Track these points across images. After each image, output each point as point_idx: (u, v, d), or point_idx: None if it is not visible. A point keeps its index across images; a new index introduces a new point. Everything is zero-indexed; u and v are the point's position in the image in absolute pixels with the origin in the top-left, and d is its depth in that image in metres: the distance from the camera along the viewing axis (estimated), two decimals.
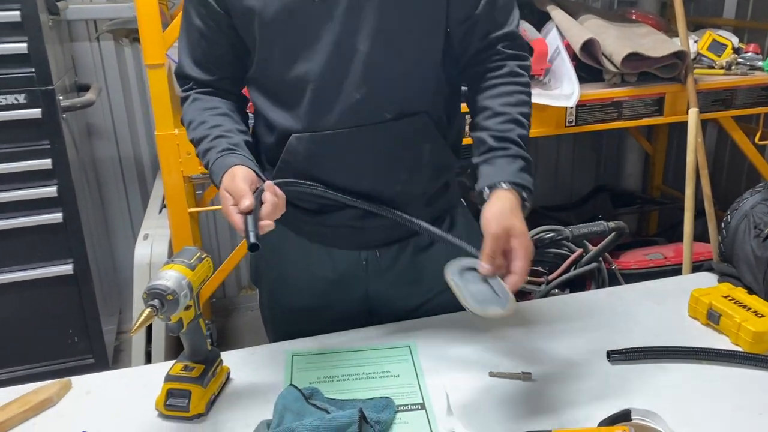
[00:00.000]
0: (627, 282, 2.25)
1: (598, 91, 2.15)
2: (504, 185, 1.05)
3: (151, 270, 2.15)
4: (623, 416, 0.97)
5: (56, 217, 2.25)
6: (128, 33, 2.66)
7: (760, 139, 2.44)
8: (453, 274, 1.00)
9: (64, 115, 2.23)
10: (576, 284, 2.32)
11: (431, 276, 1.27)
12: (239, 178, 1.01)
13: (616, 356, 1.14)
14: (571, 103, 2.03)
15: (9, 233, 2.23)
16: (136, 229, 2.83)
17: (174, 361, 1.08)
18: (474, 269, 1.00)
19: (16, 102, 2.12)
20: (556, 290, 2.25)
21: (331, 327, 1.25)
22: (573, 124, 2.14)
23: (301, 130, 1.13)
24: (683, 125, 2.24)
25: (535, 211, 2.66)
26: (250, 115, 1.29)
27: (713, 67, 2.33)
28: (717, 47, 2.34)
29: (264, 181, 1.04)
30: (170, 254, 2.14)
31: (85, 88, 2.56)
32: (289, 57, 1.10)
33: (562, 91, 2.08)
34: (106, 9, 2.68)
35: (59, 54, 2.36)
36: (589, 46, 2.13)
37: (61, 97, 2.20)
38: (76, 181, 2.30)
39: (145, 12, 1.76)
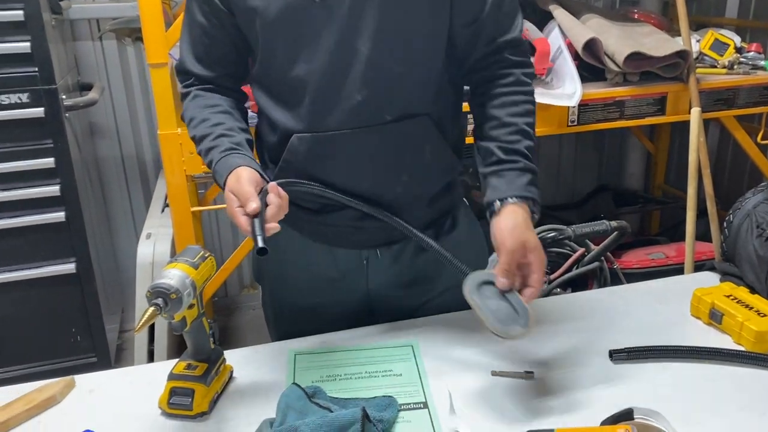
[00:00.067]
0: (629, 281, 2.25)
1: (600, 91, 2.15)
2: (515, 199, 1.08)
3: (154, 269, 2.16)
4: (626, 415, 0.97)
5: (59, 216, 2.26)
6: (131, 32, 2.66)
7: (762, 139, 2.44)
8: (471, 292, 1.02)
9: (66, 115, 2.24)
10: (578, 284, 2.32)
11: (432, 276, 1.27)
12: (244, 179, 1.01)
13: (619, 355, 1.14)
14: (574, 102, 2.03)
15: (12, 232, 2.23)
16: (139, 228, 2.83)
17: (177, 359, 1.08)
18: (490, 283, 1.02)
19: (19, 101, 2.13)
20: (558, 289, 2.26)
21: (333, 326, 1.25)
22: (575, 123, 2.14)
23: (302, 130, 1.14)
24: (685, 125, 2.24)
25: None
26: (253, 114, 1.30)
27: (715, 67, 2.33)
28: (719, 46, 2.34)
29: (267, 182, 1.04)
30: (173, 253, 2.14)
31: (87, 88, 2.57)
32: (291, 57, 1.10)
33: (565, 90, 2.08)
34: (109, 8, 2.69)
35: (62, 53, 2.36)
36: (592, 45, 2.13)
37: (64, 97, 2.21)
38: (78, 180, 2.30)
39: (148, 11, 1.77)
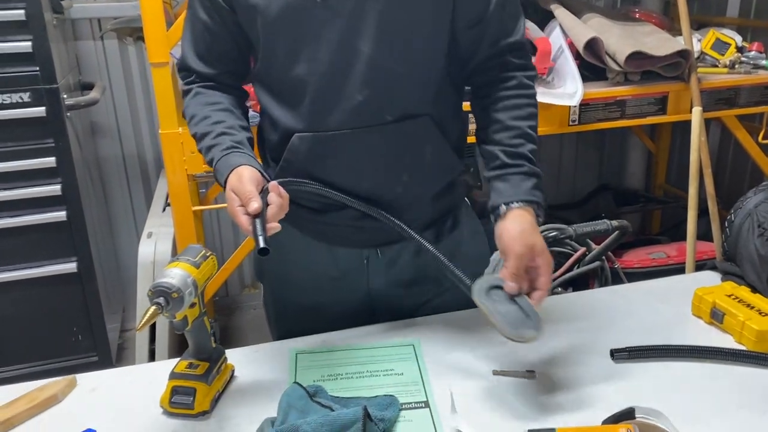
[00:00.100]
0: (630, 281, 2.25)
1: (601, 90, 2.15)
2: (520, 203, 1.09)
3: (155, 268, 2.16)
4: (627, 414, 0.97)
5: (60, 215, 2.26)
6: (132, 32, 2.66)
7: (763, 138, 2.43)
8: (481, 296, 1.03)
9: (68, 114, 2.24)
10: (579, 283, 2.32)
11: (434, 275, 1.27)
12: (246, 179, 1.01)
13: (620, 354, 1.14)
14: (575, 102, 2.03)
15: (13, 231, 2.23)
16: (140, 227, 2.83)
17: (178, 358, 1.08)
18: (499, 287, 1.03)
19: (20, 100, 2.13)
20: (559, 289, 2.26)
21: (334, 325, 1.26)
22: (576, 122, 2.14)
23: (303, 130, 1.14)
24: (686, 124, 2.24)
25: None
26: (254, 113, 1.30)
27: (717, 66, 2.33)
28: (720, 46, 2.34)
29: (268, 181, 1.04)
30: (174, 252, 2.14)
31: (89, 87, 2.57)
32: (292, 56, 1.10)
33: (566, 89, 2.08)
34: (110, 8, 2.69)
35: (63, 53, 2.37)
36: (593, 44, 2.13)
37: (65, 96, 2.21)
38: (80, 179, 2.30)
39: (149, 11, 1.77)
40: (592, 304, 1.34)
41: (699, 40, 2.35)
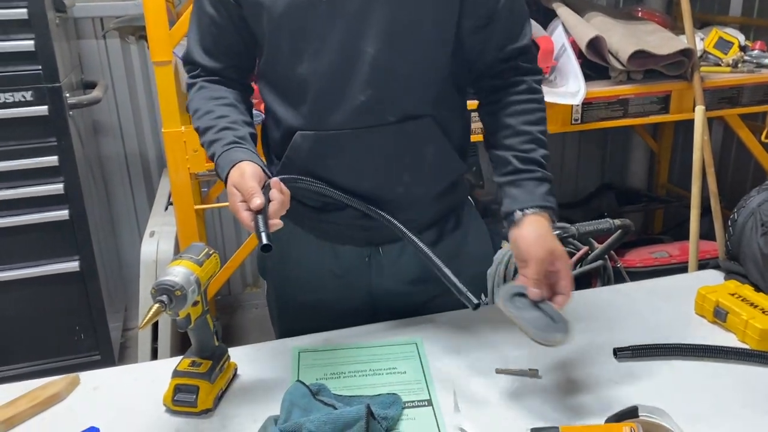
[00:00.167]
0: (632, 280, 2.24)
1: (604, 89, 2.15)
2: (535, 209, 1.09)
3: (157, 267, 2.16)
4: (630, 413, 0.97)
5: (63, 214, 2.26)
6: (134, 30, 2.66)
7: (766, 137, 2.43)
8: (506, 304, 1.02)
9: (70, 113, 2.24)
10: (581, 282, 2.31)
11: (436, 274, 1.27)
12: (248, 175, 1.01)
13: (623, 353, 1.13)
14: (577, 100, 2.03)
15: (16, 230, 2.24)
16: (142, 226, 2.84)
17: (181, 356, 1.08)
18: (522, 295, 1.03)
19: (23, 99, 2.14)
20: None
21: (337, 323, 1.25)
22: (579, 121, 2.14)
23: (305, 128, 1.14)
24: (688, 123, 2.24)
25: None
26: (257, 111, 1.29)
27: (720, 65, 2.33)
28: (723, 45, 2.33)
29: (270, 177, 1.04)
30: (176, 251, 2.15)
31: (91, 86, 2.57)
32: (296, 54, 1.10)
33: (568, 88, 2.08)
34: (113, 7, 2.69)
35: (66, 51, 2.37)
36: (595, 43, 2.13)
37: (67, 95, 2.21)
38: (82, 178, 2.30)
39: (152, 9, 1.77)
40: (594, 303, 1.34)
41: (702, 39, 2.35)
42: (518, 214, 1.09)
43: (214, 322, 1.08)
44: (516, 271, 2.08)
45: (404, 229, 1.14)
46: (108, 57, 2.80)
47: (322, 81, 1.10)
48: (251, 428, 0.99)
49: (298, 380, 1.04)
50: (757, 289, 1.29)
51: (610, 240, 2.29)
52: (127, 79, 2.84)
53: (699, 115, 2.17)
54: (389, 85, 1.10)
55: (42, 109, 2.15)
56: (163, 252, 2.18)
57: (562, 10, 2.26)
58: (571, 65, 2.12)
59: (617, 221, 2.29)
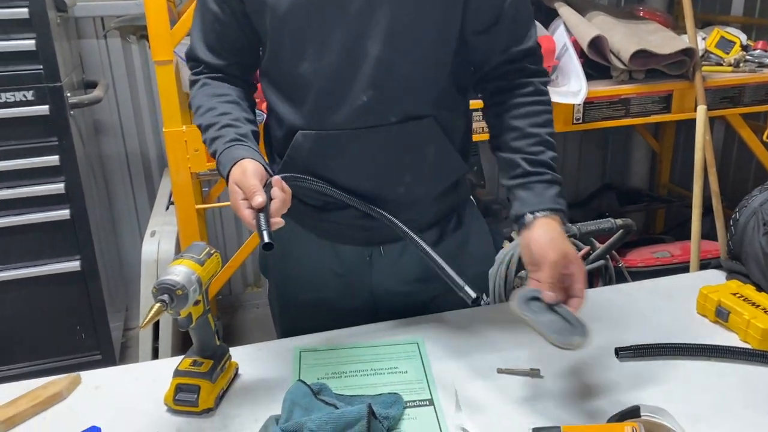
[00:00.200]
0: (634, 280, 2.24)
1: (605, 88, 2.15)
2: (546, 212, 1.07)
3: (158, 267, 2.16)
4: (632, 413, 0.97)
5: (64, 213, 2.26)
6: (135, 30, 2.67)
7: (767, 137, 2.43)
8: (522, 309, 1.01)
9: (71, 112, 2.24)
10: None
11: (438, 273, 1.27)
12: (249, 172, 1.01)
13: (625, 353, 1.13)
14: (579, 100, 2.03)
15: (17, 230, 2.24)
16: (143, 225, 2.84)
17: (182, 356, 1.08)
18: (536, 299, 1.01)
19: (24, 99, 2.14)
20: None
21: (339, 322, 1.25)
22: (580, 121, 2.14)
23: (307, 127, 1.13)
24: (690, 123, 2.24)
25: None
26: (259, 111, 1.29)
27: (721, 65, 2.33)
28: (725, 44, 2.33)
29: (271, 175, 1.04)
30: (177, 251, 2.15)
31: (92, 85, 2.57)
32: (298, 53, 1.10)
33: (570, 88, 2.08)
34: (114, 6, 2.69)
35: (67, 51, 2.37)
36: (597, 42, 2.13)
37: (68, 94, 2.21)
38: (83, 177, 2.30)
39: (153, 9, 1.77)
40: (596, 303, 1.33)
41: (704, 39, 2.35)
42: (529, 217, 1.07)
43: (215, 322, 1.08)
44: (517, 271, 2.09)
45: (403, 227, 1.14)
46: (109, 56, 2.80)
47: (324, 81, 1.10)
48: (252, 428, 0.98)
49: (300, 380, 1.04)
50: (759, 288, 1.29)
51: (611, 240, 2.29)
52: (128, 78, 2.84)
53: (701, 114, 2.17)
54: (391, 86, 1.10)
55: (43, 109, 2.15)
56: (164, 251, 2.18)
57: (564, 10, 2.26)
58: (573, 65, 2.11)
59: (619, 221, 2.29)
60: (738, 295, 1.24)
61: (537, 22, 2.20)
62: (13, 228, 2.23)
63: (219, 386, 1.05)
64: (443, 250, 1.15)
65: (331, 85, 1.10)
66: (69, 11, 2.43)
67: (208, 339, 1.06)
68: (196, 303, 1.00)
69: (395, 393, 1.04)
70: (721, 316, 1.23)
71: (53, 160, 2.20)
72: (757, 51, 2.36)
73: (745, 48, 2.35)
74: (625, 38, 2.14)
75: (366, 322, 1.27)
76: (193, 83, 1.21)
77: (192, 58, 1.22)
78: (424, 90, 1.14)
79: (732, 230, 1.42)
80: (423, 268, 1.27)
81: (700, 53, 2.24)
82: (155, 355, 2.26)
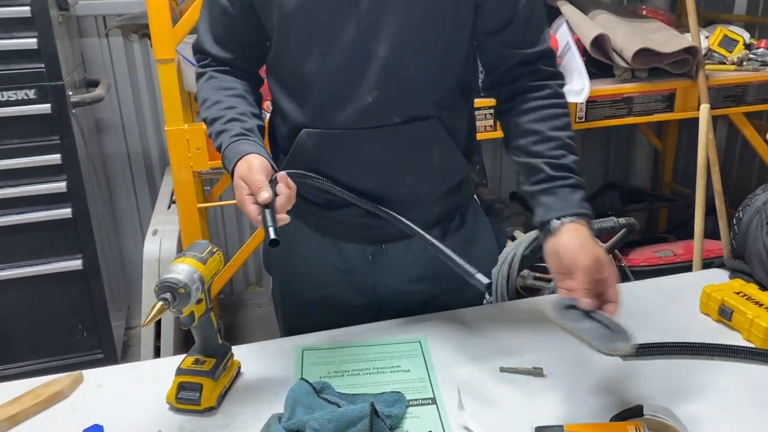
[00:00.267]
0: (636, 279, 2.24)
1: (608, 87, 2.14)
2: (573, 217, 1.04)
3: (160, 266, 2.16)
4: (635, 412, 0.97)
5: (66, 212, 2.26)
6: (137, 28, 2.66)
7: None
8: (560, 318, 0.98)
9: (73, 111, 2.24)
10: None
11: (441, 272, 1.26)
12: (256, 168, 1.01)
13: None
14: (582, 98, 2.02)
15: (19, 228, 2.23)
16: (144, 224, 2.84)
17: (185, 354, 1.08)
18: (572, 307, 0.99)
19: (26, 97, 2.13)
20: None
21: (341, 320, 1.25)
22: (583, 120, 2.13)
23: (310, 125, 1.13)
24: (693, 121, 2.23)
25: None
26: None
27: (724, 63, 2.32)
28: (728, 43, 2.33)
29: (276, 171, 1.04)
30: (179, 250, 2.14)
31: (94, 84, 2.57)
32: (304, 52, 1.09)
33: (572, 86, 2.07)
34: (116, 5, 2.69)
35: (69, 49, 2.37)
36: (600, 41, 2.12)
37: (70, 93, 2.21)
38: (85, 176, 2.30)
39: (155, 7, 1.77)
40: None
41: (706, 37, 2.34)
42: (555, 222, 1.04)
43: (217, 321, 1.08)
44: (520, 270, 2.08)
45: (409, 223, 1.13)
46: (111, 55, 2.80)
47: (329, 80, 1.09)
48: (255, 426, 0.98)
49: (302, 378, 1.04)
50: (763, 287, 1.29)
51: (614, 239, 2.28)
52: (129, 77, 2.84)
53: (704, 113, 2.16)
54: (397, 87, 1.09)
55: (45, 108, 2.15)
56: (166, 250, 2.17)
57: (567, 8, 2.25)
58: (576, 63, 2.11)
59: (622, 220, 2.28)
60: (741, 294, 1.24)
61: None
62: (14, 227, 2.23)
63: (221, 385, 1.05)
64: (448, 248, 1.14)
65: (336, 85, 1.09)
66: (71, 10, 2.43)
67: (210, 337, 1.06)
68: (199, 301, 1.00)
69: (398, 391, 1.04)
70: (725, 315, 1.23)
71: (55, 158, 2.20)
72: (761, 49, 2.35)
73: (748, 47, 2.34)
74: (628, 37, 2.13)
75: (369, 320, 1.26)
76: (199, 76, 1.21)
77: (199, 51, 1.21)
78: (430, 91, 1.13)
79: (735, 229, 1.42)
80: (425, 267, 1.27)
81: (703, 52, 2.24)
82: (157, 353, 2.25)
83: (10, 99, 2.12)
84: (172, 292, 0.93)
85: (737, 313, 1.20)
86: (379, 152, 1.14)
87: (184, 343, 2.28)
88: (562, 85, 1.17)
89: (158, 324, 2.23)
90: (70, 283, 2.33)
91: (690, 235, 2.28)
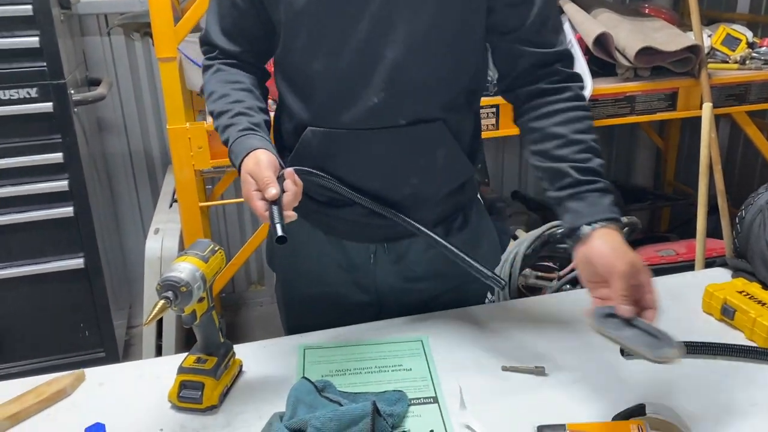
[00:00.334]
0: None
1: (610, 86, 2.14)
2: (604, 222, 1.01)
3: (162, 264, 2.16)
4: (637, 411, 0.96)
5: (67, 211, 2.26)
6: (139, 27, 2.67)
7: None
8: (602, 328, 0.96)
9: (75, 109, 2.24)
10: None
11: (443, 271, 1.26)
12: (263, 164, 1.00)
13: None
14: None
15: (20, 227, 2.24)
16: (146, 223, 2.84)
17: (186, 353, 1.08)
18: (612, 315, 0.96)
19: (28, 96, 2.13)
20: (568, 286, 2.24)
21: (344, 317, 1.25)
22: None
23: (316, 124, 1.13)
24: (695, 120, 2.23)
25: (545, 206, 2.65)
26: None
27: (727, 62, 2.32)
28: (731, 41, 2.32)
29: (283, 167, 1.03)
30: (181, 249, 2.14)
31: (95, 83, 2.57)
32: (312, 51, 1.09)
33: None
34: (117, 3, 2.69)
35: (71, 48, 2.37)
36: (602, 40, 2.12)
37: (72, 91, 2.21)
38: (87, 175, 2.30)
39: (157, 6, 1.77)
40: None
41: (709, 36, 2.34)
42: (586, 229, 1.01)
43: (218, 319, 1.08)
44: (522, 269, 2.08)
45: (416, 224, 1.13)
46: (113, 54, 2.80)
47: (336, 80, 1.09)
48: (256, 425, 0.98)
49: (304, 377, 1.04)
50: (765, 286, 1.29)
51: None
52: (131, 75, 2.84)
53: (706, 112, 2.16)
54: (404, 89, 1.09)
55: (47, 106, 2.15)
56: (168, 249, 2.18)
57: (569, 7, 2.25)
58: (578, 62, 2.10)
59: (624, 219, 2.28)
60: (744, 293, 1.24)
61: None
62: (16, 225, 2.23)
63: (223, 383, 1.05)
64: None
65: (342, 85, 1.09)
66: (73, 8, 2.43)
67: (212, 336, 1.06)
68: (200, 300, 1.00)
69: (400, 390, 1.04)
70: (727, 314, 1.22)
71: (57, 157, 2.20)
72: (763, 48, 2.35)
73: (751, 45, 2.34)
74: (631, 35, 2.13)
75: (371, 318, 1.26)
76: (206, 68, 1.20)
77: (206, 43, 1.20)
78: (438, 94, 1.12)
79: (738, 228, 1.42)
80: (427, 266, 1.27)
81: (706, 50, 2.23)
82: (159, 352, 2.26)
83: (12, 97, 2.12)
84: (173, 290, 0.93)
85: (740, 313, 1.20)
86: (384, 153, 1.14)
87: (186, 341, 2.29)
88: (581, 87, 1.14)
89: (160, 323, 2.24)
90: (72, 282, 2.34)
91: (692, 234, 2.28)
